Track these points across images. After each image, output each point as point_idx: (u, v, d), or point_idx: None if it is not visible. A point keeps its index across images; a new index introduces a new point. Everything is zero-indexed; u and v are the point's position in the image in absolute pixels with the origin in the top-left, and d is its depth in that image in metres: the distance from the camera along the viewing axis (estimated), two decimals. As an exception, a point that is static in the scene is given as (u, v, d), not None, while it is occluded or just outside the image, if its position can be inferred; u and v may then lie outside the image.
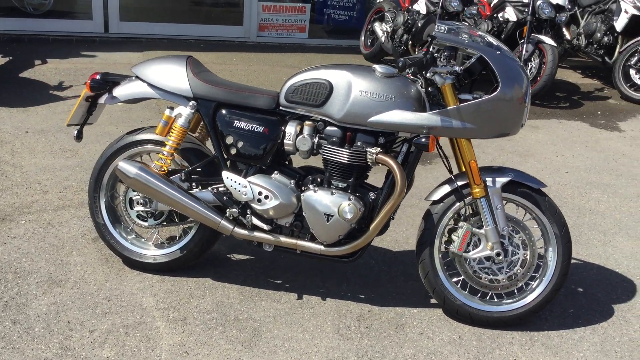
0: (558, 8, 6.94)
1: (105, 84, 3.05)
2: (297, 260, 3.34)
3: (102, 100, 3.09)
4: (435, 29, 2.68)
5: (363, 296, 3.09)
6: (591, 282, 3.35)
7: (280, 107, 2.90)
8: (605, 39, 7.70)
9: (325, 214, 2.80)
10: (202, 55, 7.70)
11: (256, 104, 2.91)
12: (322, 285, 3.16)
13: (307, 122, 2.86)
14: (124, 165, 2.93)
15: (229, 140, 2.91)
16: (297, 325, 2.84)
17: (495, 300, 2.92)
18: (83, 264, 3.19)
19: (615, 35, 7.61)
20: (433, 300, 3.07)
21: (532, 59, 6.78)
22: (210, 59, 7.65)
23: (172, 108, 2.98)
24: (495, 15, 7.26)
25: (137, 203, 3.08)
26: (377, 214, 2.81)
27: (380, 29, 7.58)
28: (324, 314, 2.93)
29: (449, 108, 2.69)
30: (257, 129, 2.89)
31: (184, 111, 2.93)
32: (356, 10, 9.18)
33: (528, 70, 6.71)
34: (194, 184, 3.01)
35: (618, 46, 7.61)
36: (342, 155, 2.79)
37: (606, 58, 7.74)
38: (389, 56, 8.05)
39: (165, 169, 3.00)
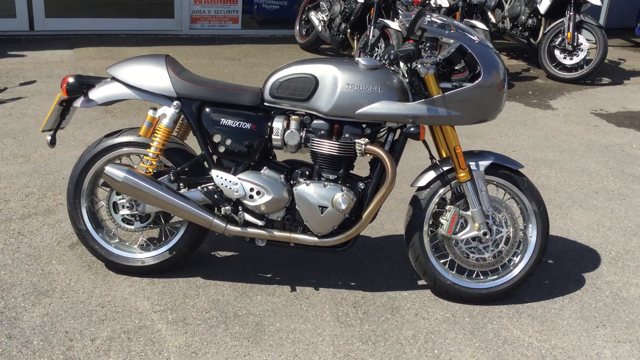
0: (488, -7, 7.21)
1: (81, 86, 2.98)
2: (282, 253, 3.39)
3: (77, 103, 3.01)
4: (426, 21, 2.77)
5: (354, 283, 3.17)
6: (559, 254, 3.56)
7: (265, 103, 2.92)
8: (530, 21, 8.06)
9: (319, 206, 2.86)
10: (135, 50, 7.55)
11: (241, 101, 2.92)
12: (312, 275, 3.22)
13: (293, 117, 2.90)
14: (111, 170, 2.88)
15: (217, 138, 2.91)
16: (298, 317, 2.89)
17: (482, 277, 3.08)
18: (66, 272, 3.12)
19: (539, 17, 7.98)
20: (421, 282, 3.19)
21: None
22: (144, 53, 7.46)
23: (155, 109, 2.94)
24: (427, 2, 7.45)
25: (123, 207, 3.03)
26: (369, 203, 2.89)
27: (317, 18, 7.63)
28: (320, 303, 2.99)
29: (434, 97, 2.79)
30: (244, 125, 2.90)
31: (168, 111, 2.91)
32: (287, 0, 9.19)
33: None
34: (181, 184, 2.99)
35: (542, 28, 7.98)
36: (332, 147, 2.85)
37: (531, 40, 8.10)
38: (326, 45, 8.13)
39: (151, 170, 2.96)
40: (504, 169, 2.97)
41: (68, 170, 4.24)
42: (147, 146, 2.98)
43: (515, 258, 3.05)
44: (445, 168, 2.94)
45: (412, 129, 2.79)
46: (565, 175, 4.76)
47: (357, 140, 2.84)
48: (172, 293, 3.01)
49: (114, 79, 3.00)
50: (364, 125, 2.88)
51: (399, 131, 2.93)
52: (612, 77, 8.01)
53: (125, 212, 3.04)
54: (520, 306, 3.05)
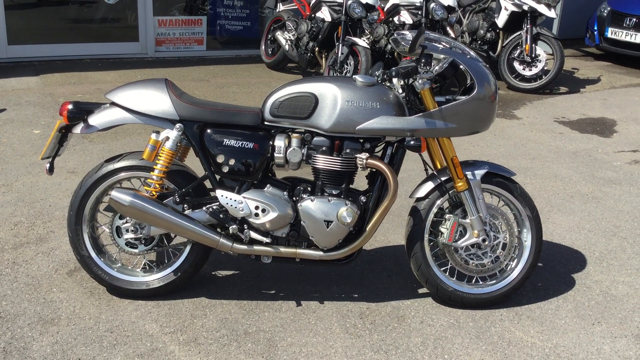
0: (449, 9, 7.42)
1: (81, 113, 2.99)
2: (281, 268, 3.43)
3: (77, 130, 3.01)
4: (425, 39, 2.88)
5: (356, 295, 3.24)
6: (547, 257, 3.71)
7: (265, 122, 2.98)
8: (488, 35, 8.34)
9: (324, 221, 2.93)
10: (103, 75, 7.51)
11: (242, 121, 2.97)
12: (314, 290, 3.27)
13: (294, 135, 2.97)
14: (117, 194, 2.89)
15: (220, 159, 2.95)
16: (307, 331, 2.94)
17: (481, 282, 3.18)
18: (69, 300, 3.10)
19: (497, 31, 8.26)
20: (421, 290, 3.28)
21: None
22: (113, 77, 7.45)
23: (157, 132, 2.97)
24: (390, 19, 7.64)
25: (127, 231, 3.04)
26: (372, 215, 2.97)
27: (283, 38, 7.73)
28: (327, 316, 3.05)
29: (432, 110, 2.90)
30: (247, 145, 2.95)
31: (172, 134, 2.94)
32: (250, 20, 9.27)
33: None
34: (185, 205, 3.02)
35: (500, 41, 8.26)
36: (334, 163, 2.92)
37: (490, 53, 8.37)
38: (292, 63, 8.22)
39: (154, 193, 2.98)
40: (498, 177, 3.10)
41: (53, 198, 4.20)
42: (149, 169, 3.00)
43: (512, 262, 3.17)
44: (443, 178, 3.05)
45: (412, 142, 2.89)
46: (540, 181, 4.94)
47: (358, 155, 2.92)
48: (179, 314, 3.02)
49: (113, 104, 3.01)
50: (364, 140, 2.96)
51: (396, 145, 3.02)
52: (569, 86, 8.33)
53: (129, 236, 3.04)
54: (518, 308, 3.17)
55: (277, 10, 8.22)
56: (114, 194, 2.89)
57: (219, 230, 3.03)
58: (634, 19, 9.38)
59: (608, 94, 8.00)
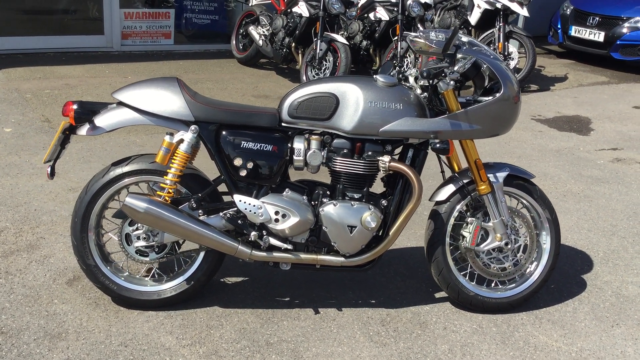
0: (426, 6, 7.40)
1: (87, 113, 2.80)
2: (292, 275, 3.32)
3: (82, 131, 2.82)
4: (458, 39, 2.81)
5: (374, 301, 3.15)
6: (554, 258, 3.70)
7: (283, 124, 2.86)
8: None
9: (348, 226, 2.83)
10: (69, 69, 7.21)
11: (260, 122, 2.84)
12: (329, 296, 3.17)
13: (313, 137, 2.86)
14: (131, 201, 2.72)
15: (238, 162, 2.81)
16: (331, 340, 2.84)
17: (500, 286, 3.14)
18: (73, 312, 2.91)
19: (469, 29, 8.28)
20: (438, 295, 3.22)
21: (407, 55, 7.19)
22: (80, 72, 7.15)
23: (171, 134, 2.81)
24: (366, 15, 7.57)
25: (138, 238, 2.87)
26: (395, 220, 2.89)
27: (257, 33, 7.56)
28: (349, 324, 2.95)
29: (457, 112, 2.83)
30: (266, 147, 2.83)
31: (187, 136, 2.78)
32: (218, 14, 9.06)
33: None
34: (200, 211, 2.87)
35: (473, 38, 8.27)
36: (357, 166, 2.83)
37: (462, 50, 8.37)
38: (265, 59, 8.06)
39: (168, 199, 2.83)
40: (518, 179, 3.05)
41: (37, 201, 3.98)
42: (160, 173, 2.85)
43: (531, 266, 3.13)
44: (465, 181, 2.99)
45: (438, 145, 2.82)
46: (530, 180, 4.94)
47: (380, 158, 2.83)
48: (194, 325, 2.88)
49: (121, 103, 2.84)
50: (386, 143, 2.87)
51: (417, 147, 2.94)
52: (538, 84, 8.43)
53: (140, 243, 2.88)
54: (537, 312, 3.14)
55: (250, 5, 8.03)
56: (129, 200, 2.72)
57: (250, 237, 2.88)
58: (597, 18, 9.56)
59: (578, 91, 8.13)
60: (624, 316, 3.16)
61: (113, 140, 5.13)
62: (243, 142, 2.82)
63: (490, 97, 2.86)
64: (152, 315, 2.93)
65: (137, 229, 2.88)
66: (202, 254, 2.96)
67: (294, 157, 2.84)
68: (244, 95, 6.71)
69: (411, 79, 2.95)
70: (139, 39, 8.35)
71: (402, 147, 2.97)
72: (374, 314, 3.04)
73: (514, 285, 3.13)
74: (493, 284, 3.15)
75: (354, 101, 2.79)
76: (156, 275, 3.04)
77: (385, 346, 2.82)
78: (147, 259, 2.93)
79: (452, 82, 2.84)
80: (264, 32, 7.50)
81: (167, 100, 2.78)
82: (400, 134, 2.81)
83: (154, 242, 2.88)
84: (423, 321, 3.01)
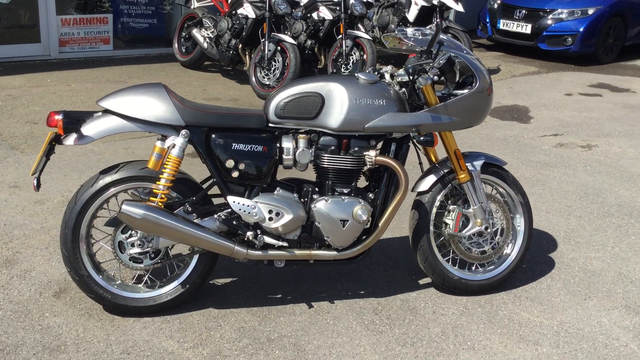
0: (368, 4, 7.56)
1: (74, 122, 2.78)
2: (279, 271, 3.38)
3: (69, 141, 2.79)
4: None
5: (362, 292, 3.26)
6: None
7: (270, 124, 2.93)
8: (398, 29, 8.56)
9: (340, 220, 2.92)
10: (9, 80, 7.01)
11: (248, 124, 2.90)
12: (319, 290, 3.26)
13: (300, 136, 2.94)
14: (128, 208, 2.72)
15: (229, 164, 2.86)
16: (329, 332, 2.93)
17: (480, 269, 3.31)
18: (67, 324, 2.89)
19: (408, 25, 8.50)
20: (421, 281, 3.36)
21: (352, 53, 7.33)
22: (21, 82, 6.94)
23: (163, 140, 2.82)
24: (309, 15, 7.66)
25: (133, 245, 2.87)
26: (383, 212, 3.00)
27: (201, 35, 7.53)
28: (343, 315, 3.05)
29: (437, 105, 2.97)
30: (256, 148, 2.88)
31: (178, 141, 2.81)
32: (156, 18, 8.95)
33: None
34: (194, 214, 2.90)
35: (411, 34, 8.50)
36: (345, 162, 2.93)
37: (402, 46, 8.60)
38: (209, 61, 8.03)
39: (161, 204, 2.84)
40: (492, 167, 3.23)
41: (5, 215, 3.89)
42: (150, 179, 2.86)
43: (507, 247, 3.31)
44: (445, 171, 3.13)
45: (423, 138, 2.95)
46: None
47: (366, 153, 2.94)
48: (193, 328, 2.91)
49: (106, 111, 2.83)
50: (370, 138, 2.98)
51: (399, 141, 3.07)
52: (475, 76, 8.73)
53: (135, 250, 2.88)
54: (516, 291, 3.33)
55: (192, 7, 7.98)
56: (125, 207, 2.72)
57: (245, 236, 2.93)
58: (524, 11, 10.01)
59: (512, 82, 8.49)
60: (594, 289, 3.39)
61: (70, 150, 5.03)
62: (234, 144, 2.86)
63: (466, 90, 3.01)
64: (148, 322, 2.94)
65: (130, 236, 2.88)
66: (196, 257, 2.99)
67: (284, 157, 2.91)
68: (195, 98, 6.68)
69: (387, 76, 3.08)
70: (77, 45, 8.16)
71: (383, 141, 3.09)
72: (366, 304, 3.15)
73: (493, 267, 3.30)
74: (474, 267, 3.31)
75: (339, 99, 2.88)
76: (148, 282, 3.05)
77: (382, 333, 2.93)
78: (142, 265, 2.93)
79: (435, 77, 2.97)
80: (208, 34, 7.48)
81: (156, 106, 2.79)
82: (384, 129, 2.93)
83: (148, 248, 2.88)
84: (413, 307, 3.14)
